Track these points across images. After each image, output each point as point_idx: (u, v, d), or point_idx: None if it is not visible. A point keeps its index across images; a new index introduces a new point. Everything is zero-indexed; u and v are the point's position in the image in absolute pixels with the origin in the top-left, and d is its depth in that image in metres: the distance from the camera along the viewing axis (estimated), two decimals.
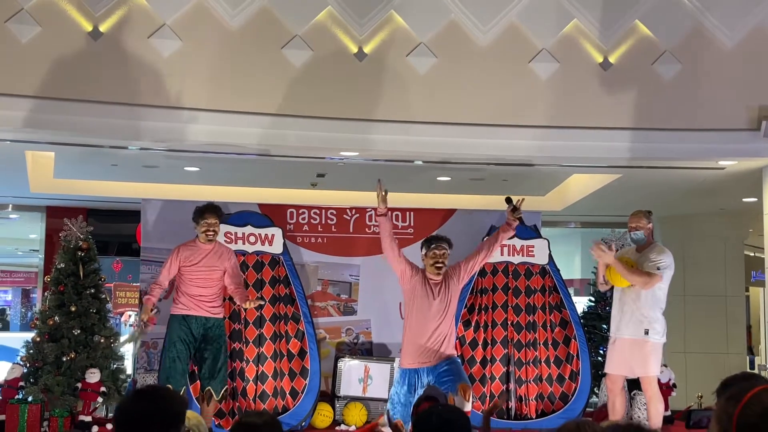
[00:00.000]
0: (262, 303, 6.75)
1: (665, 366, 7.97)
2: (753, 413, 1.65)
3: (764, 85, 7.43)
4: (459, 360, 6.19)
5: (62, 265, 7.26)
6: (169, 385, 6.17)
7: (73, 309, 7.11)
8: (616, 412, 6.28)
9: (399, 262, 6.07)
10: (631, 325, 6.15)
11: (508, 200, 6.24)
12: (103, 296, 7.42)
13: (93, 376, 6.96)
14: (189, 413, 3.34)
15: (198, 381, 6.63)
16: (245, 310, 7.04)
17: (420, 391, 6.03)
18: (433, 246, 6.09)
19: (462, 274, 6.18)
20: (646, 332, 6.10)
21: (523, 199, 6.25)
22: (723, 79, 7.43)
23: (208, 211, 6.45)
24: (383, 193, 6.09)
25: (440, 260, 6.04)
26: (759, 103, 7.38)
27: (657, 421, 6.14)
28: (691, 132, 7.39)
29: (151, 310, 6.43)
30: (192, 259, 6.41)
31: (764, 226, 7.93)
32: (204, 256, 6.44)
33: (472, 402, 7.41)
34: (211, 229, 6.42)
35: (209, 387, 6.42)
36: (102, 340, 7.17)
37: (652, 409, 6.17)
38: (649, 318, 6.12)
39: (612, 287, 6.41)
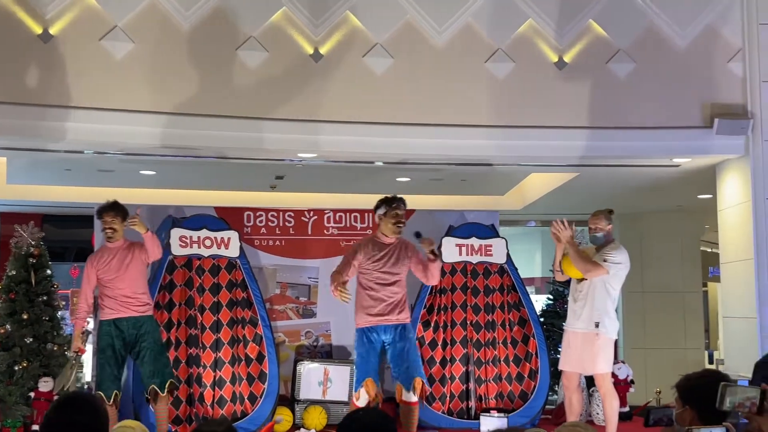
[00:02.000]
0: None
1: (623, 362, 8.04)
2: None
3: (716, 83, 7.53)
4: (413, 333, 6.41)
5: (13, 272, 7.13)
6: (100, 392, 6.12)
7: (25, 317, 6.98)
8: (574, 409, 6.29)
9: (355, 270, 6.24)
10: (583, 318, 6.13)
11: (417, 235, 6.30)
12: (56, 303, 7.30)
13: (46, 384, 6.84)
14: (131, 422, 3.27)
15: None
16: (201, 314, 7.02)
17: (379, 346, 6.15)
18: (394, 205, 6.25)
19: (412, 262, 6.31)
20: (597, 325, 6.06)
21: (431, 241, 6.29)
22: (676, 77, 7.52)
23: (103, 210, 6.34)
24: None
25: (401, 220, 6.24)
26: (711, 100, 7.48)
27: (613, 418, 6.17)
28: (646, 130, 7.47)
29: (82, 333, 6.27)
30: (103, 261, 6.28)
31: (719, 222, 8.03)
32: (114, 254, 6.30)
33: (432, 403, 7.46)
34: (108, 227, 6.31)
35: (152, 385, 6.27)
36: (55, 348, 7.05)
37: (608, 406, 6.18)
38: (599, 311, 6.08)
39: (569, 279, 6.42)
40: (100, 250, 6.46)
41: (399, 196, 6.37)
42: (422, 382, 6.09)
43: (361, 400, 6.14)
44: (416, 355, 6.28)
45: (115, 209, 6.32)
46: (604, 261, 6.07)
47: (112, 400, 6.14)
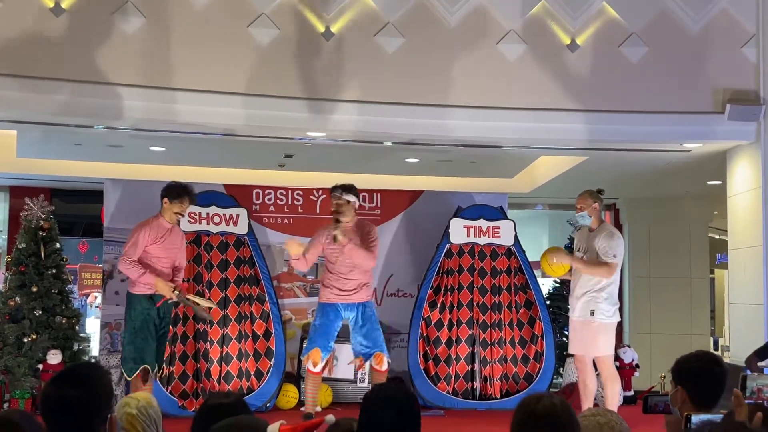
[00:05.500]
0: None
1: (628, 346, 8.06)
2: None
3: (729, 68, 7.48)
4: (374, 307, 6.73)
5: (23, 245, 7.17)
6: (146, 366, 6.03)
7: (34, 290, 7.03)
8: (588, 390, 6.34)
9: (317, 250, 6.62)
10: (580, 307, 6.26)
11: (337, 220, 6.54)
12: (65, 277, 7.33)
13: (54, 357, 6.90)
14: (138, 394, 3.27)
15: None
16: (209, 290, 7.02)
17: (339, 323, 6.62)
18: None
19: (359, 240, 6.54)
20: (592, 312, 6.19)
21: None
22: (688, 62, 7.48)
23: (189, 195, 6.26)
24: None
25: (333, 209, 6.54)
26: (724, 86, 7.44)
27: (614, 402, 6.21)
28: (657, 114, 7.43)
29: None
30: (157, 236, 6.19)
31: (728, 209, 8.01)
32: (166, 232, 6.26)
33: (437, 383, 7.49)
34: (183, 213, 6.33)
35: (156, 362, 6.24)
36: (64, 321, 7.09)
37: (609, 390, 6.25)
38: (594, 298, 6.20)
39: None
40: (154, 224, 6.23)
41: (338, 185, 6.61)
42: (382, 356, 6.58)
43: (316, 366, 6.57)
44: (377, 327, 6.67)
45: (193, 198, 6.42)
46: (614, 257, 6.15)
47: (155, 374, 6.10)
